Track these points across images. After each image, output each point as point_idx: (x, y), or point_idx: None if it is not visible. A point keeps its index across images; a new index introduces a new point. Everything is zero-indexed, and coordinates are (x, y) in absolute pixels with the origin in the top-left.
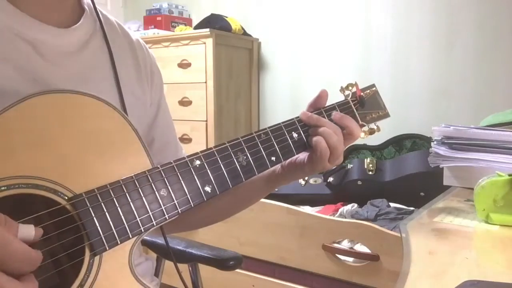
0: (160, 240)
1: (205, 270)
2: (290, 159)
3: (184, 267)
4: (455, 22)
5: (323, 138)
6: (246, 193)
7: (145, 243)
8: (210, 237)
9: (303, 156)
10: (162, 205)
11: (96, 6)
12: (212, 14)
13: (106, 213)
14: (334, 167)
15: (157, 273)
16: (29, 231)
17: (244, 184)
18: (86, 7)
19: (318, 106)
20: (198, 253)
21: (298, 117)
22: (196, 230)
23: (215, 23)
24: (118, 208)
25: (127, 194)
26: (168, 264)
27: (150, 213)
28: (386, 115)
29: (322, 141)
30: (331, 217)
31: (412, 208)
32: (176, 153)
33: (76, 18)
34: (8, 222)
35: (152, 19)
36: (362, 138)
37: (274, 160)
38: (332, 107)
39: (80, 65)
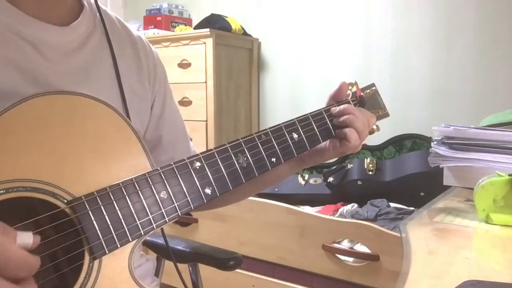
0: (160, 240)
1: (205, 270)
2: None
3: (184, 267)
4: (455, 22)
5: (350, 123)
6: (269, 177)
7: (145, 243)
8: (210, 237)
9: (325, 142)
10: (162, 208)
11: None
12: (212, 14)
13: (106, 216)
14: (354, 152)
15: (157, 273)
16: (27, 238)
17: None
18: (85, 3)
19: (338, 98)
20: (198, 253)
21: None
22: (197, 229)
23: (215, 23)
24: (118, 211)
25: (126, 197)
26: (168, 264)
27: (150, 216)
28: (386, 114)
29: (349, 125)
30: (331, 217)
31: (412, 208)
32: (187, 148)
33: (75, 15)
34: (6, 229)
35: (152, 19)
36: None
37: (275, 161)
38: (332, 106)
39: (80, 62)
